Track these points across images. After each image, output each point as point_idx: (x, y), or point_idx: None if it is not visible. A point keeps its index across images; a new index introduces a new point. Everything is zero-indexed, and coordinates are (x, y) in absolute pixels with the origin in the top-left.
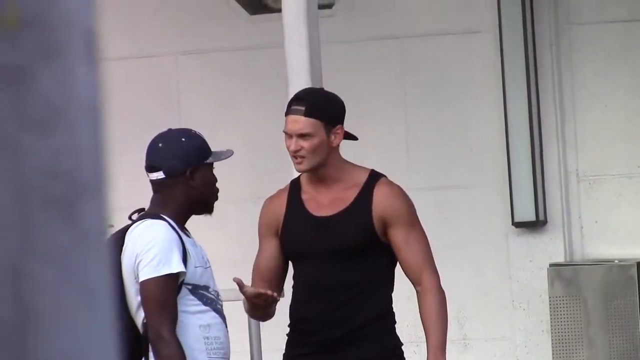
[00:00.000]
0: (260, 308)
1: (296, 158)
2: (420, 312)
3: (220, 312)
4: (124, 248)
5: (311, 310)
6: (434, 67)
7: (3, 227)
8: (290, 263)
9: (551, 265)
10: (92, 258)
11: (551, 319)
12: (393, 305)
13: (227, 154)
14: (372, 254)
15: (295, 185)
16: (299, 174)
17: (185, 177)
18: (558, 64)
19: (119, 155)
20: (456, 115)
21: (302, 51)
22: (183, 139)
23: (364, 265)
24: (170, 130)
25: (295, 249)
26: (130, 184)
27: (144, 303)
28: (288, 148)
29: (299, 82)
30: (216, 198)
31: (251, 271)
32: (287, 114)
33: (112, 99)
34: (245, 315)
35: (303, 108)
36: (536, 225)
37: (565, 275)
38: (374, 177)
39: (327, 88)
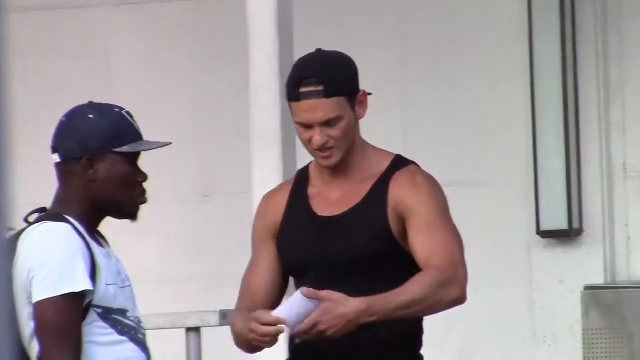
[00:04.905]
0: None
1: (323, 151)
2: None
3: (142, 344)
4: (15, 260)
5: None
6: (438, 27)
7: None
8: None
9: (587, 287)
10: None
11: (585, 358)
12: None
13: (152, 145)
14: (391, 266)
15: (302, 177)
16: (298, 166)
17: (82, 166)
18: (603, 24)
19: (28, 133)
20: (466, 89)
21: None
22: (91, 116)
23: (384, 282)
24: (86, 104)
25: (293, 257)
26: (42, 172)
27: (38, 330)
28: (308, 142)
29: (264, 38)
30: (135, 200)
31: (239, 294)
32: (296, 99)
33: (19, 60)
34: (183, 349)
35: (321, 88)
36: (569, 235)
37: (605, 301)
38: (398, 164)
39: (298, 45)
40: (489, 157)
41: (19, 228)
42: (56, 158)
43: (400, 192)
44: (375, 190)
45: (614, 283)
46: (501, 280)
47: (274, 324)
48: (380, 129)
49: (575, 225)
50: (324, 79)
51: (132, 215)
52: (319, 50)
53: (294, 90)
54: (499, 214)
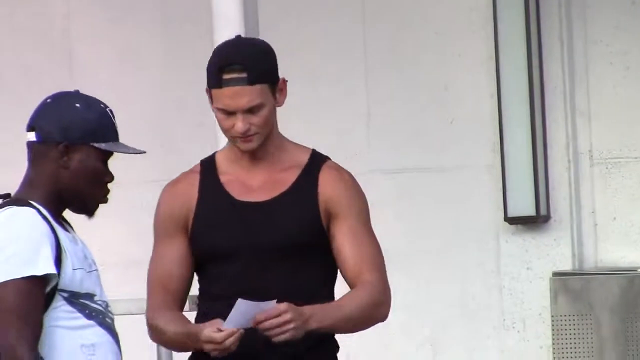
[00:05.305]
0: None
1: (244, 137)
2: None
3: (110, 328)
4: None
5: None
6: (403, 11)
7: None
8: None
9: (555, 274)
10: None
11: (553, 344)
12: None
13: (128, 150)
14: (316, 255)
15: (209, 166)
16: (211, 152)
17: (58, 151)
18: (567, 10)
19: None
20: (432, 76)
21: None
22: (77, 105)
23: (307, 271)
24: (73, 91)
25: (215, 244)
26: (4, 157)
27: None
28: (229, 129)
29: (228, 29)
30: (98, 198)
31: (151, 289)
32: (218, 86)
33: None
34: None
35: (245, 75)
36: (536, 221)
37: (572, 287)
38: (318, 158)
39: (265, 38)
40: (456, 143)
41: None
42: (32, 137)
43: (331, 188)
44: (303, 180)
45: (581, 269)
46: (470, 266)
47: (231, 336)
48: (345, 115)
49: (543, 211)
50: (248, 66)
51: (90, 211)
52: (238, 37)
53: (216, 76)
54: (466, 200)
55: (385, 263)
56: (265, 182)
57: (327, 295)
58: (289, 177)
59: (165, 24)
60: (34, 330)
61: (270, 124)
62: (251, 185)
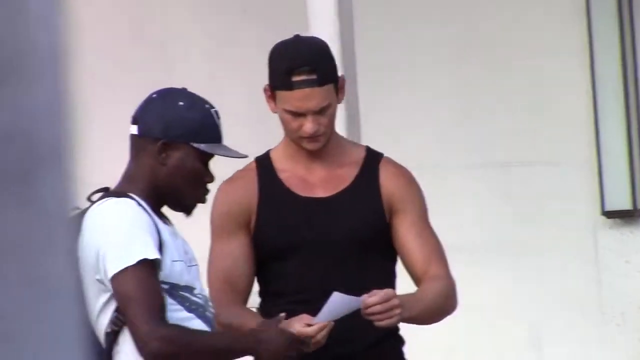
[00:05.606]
0: None
1: (312, 137)
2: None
3: (210, 322)
4: (80, 237)
5: None
6: (497, 8)
7: None
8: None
9: None
10: (52, 246)
11: None
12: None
13: (229, 152)
14: (380, 251)
15: (264, 163)
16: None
17: (157, 147)
18: None
19: (89, 117)
20: (525, 69)
21: None
22: (181, 103)
23: (371, 267)
24: (180, 89)
25: (281, 239)
26: (102, 153)
27: (121, 304)
28: (296, 129)
29: (323, 25)
30: (197, 198)
31: (219, 287)
32: (288, 88)
33: (80, 45)
34: None
35: (315, 77)
36: (633, 215)
37: None
38: (374, 154)
39: (359, 35)
40: (551, 139)
41: (83, 207)
42: (134, 130)
43: (393, 184)
44: (364, 176)
45: None
46: (568, 261)
47: (323, 329)
48: (440, 108)
49: None
50: (317, 67)
51: (188, 210)
52: (297, 37)
53: (285, 78)
54: (562, 195)
55: (478, 258)
56: (324, 179)
57: (394, 288)
58: (349, 174)
59: (261, 25)
60: (160, 311)
61: (334, 122)
62: (311, 181)
